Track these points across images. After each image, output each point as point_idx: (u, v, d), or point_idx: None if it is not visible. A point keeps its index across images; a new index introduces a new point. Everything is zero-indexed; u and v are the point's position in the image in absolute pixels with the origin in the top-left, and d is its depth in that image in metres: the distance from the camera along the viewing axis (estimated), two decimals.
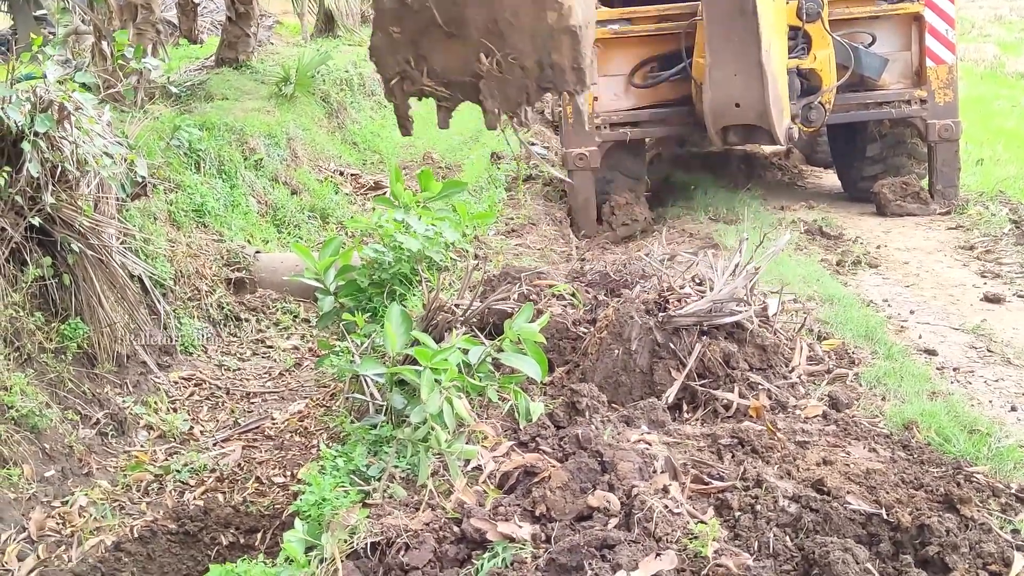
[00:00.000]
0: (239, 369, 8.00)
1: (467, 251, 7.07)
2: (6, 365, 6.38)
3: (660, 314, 4.67)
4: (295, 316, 8.88)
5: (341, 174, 14.02)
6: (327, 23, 21.31)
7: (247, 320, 8.65)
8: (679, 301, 4.81)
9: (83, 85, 7.94)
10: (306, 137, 14.06)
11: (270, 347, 8.39)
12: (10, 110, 6.31)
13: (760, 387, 4.61)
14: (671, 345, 4.65)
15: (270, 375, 7.87)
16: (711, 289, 4.92)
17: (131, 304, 7.35)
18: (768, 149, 11.98)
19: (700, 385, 4.61)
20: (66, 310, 6.91)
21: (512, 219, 9.48)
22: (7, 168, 6.45)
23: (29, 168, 6.38)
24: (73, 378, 6.72)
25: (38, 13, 29.56)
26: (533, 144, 12.94)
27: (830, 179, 11.68)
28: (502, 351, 4.57)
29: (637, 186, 10.31)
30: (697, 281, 5.15)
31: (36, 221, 6.57)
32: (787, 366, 4.91)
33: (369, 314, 6.30)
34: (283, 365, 8.05)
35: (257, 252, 9.14)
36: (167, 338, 7.72)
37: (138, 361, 7.42)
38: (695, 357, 4.59)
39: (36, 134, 6.44)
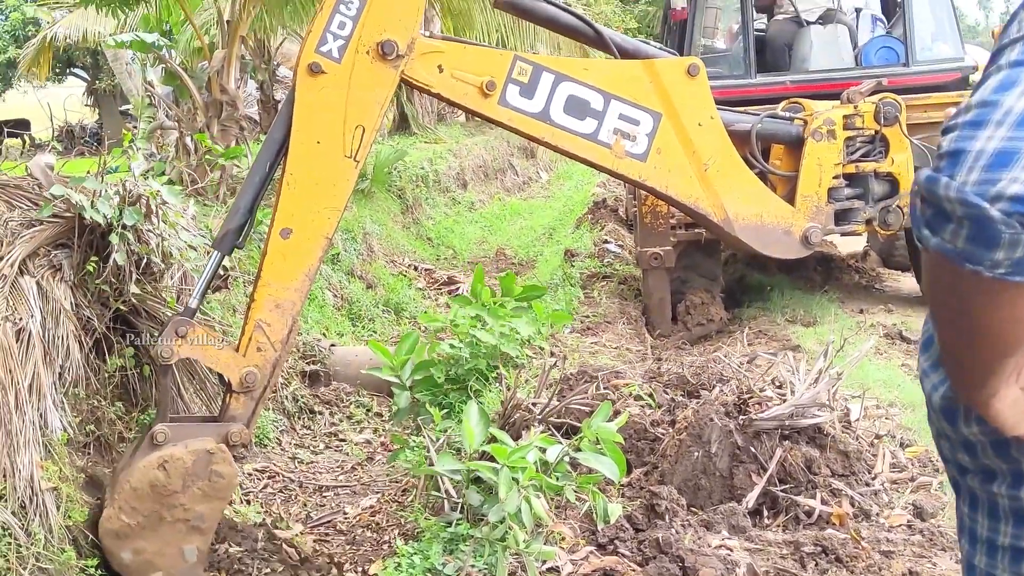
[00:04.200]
0: (312, 462, 8.01)
1: (543, 349, 7.07)
2: (86, 453, 6.46)
3: (741, 417, 4.63)
4: (368, 410, 8.90)
5: (415, 269, 14.15)
6: (402, 121, 21.72)
7: (321, 413, 8.69)
8: (760, 404, 4.76)
9: (170, 180, 8.15)
10: (382, 232, 14.24)
11: (343, 440, 8.41)
12: (100, 203, 6.47)
13: (843, 494, 4.53)
14: (752, 449, 4.59)
15: (342, 468, 7.87)
16: (792, 392, 4.86)
17: (209, 395, 7.41)
18: (843, 252, 11.91)
19: (781, 490, 4.54)
20: (146, 400, 6.97)
21: (587, 317, 9.49)
22: (95, 259, 6.59)
23: (116, 259, 6.51)
24: None
25: (123, 108, 30.54)
26: (607, 243, 13.00)
27: (908, 282, 11.54)
28: (580, 450, 4.54)
29: (712, 286, 10.28)
30: (777, 384, 5.10)
31: (121, 310, 6.68)
32: (870, 473, 4.82)
33: (445, 410, 6.30)
34: (355, 459, 8.05)
35: (332, 345, 9.21)
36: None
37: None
38: (776, 461, 4.53)
39: (124, 226, 6.58)
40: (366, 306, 11.28)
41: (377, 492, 7.24)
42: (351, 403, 8.91)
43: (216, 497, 5.17)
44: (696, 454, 4.61)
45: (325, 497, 7.38)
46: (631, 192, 12.81)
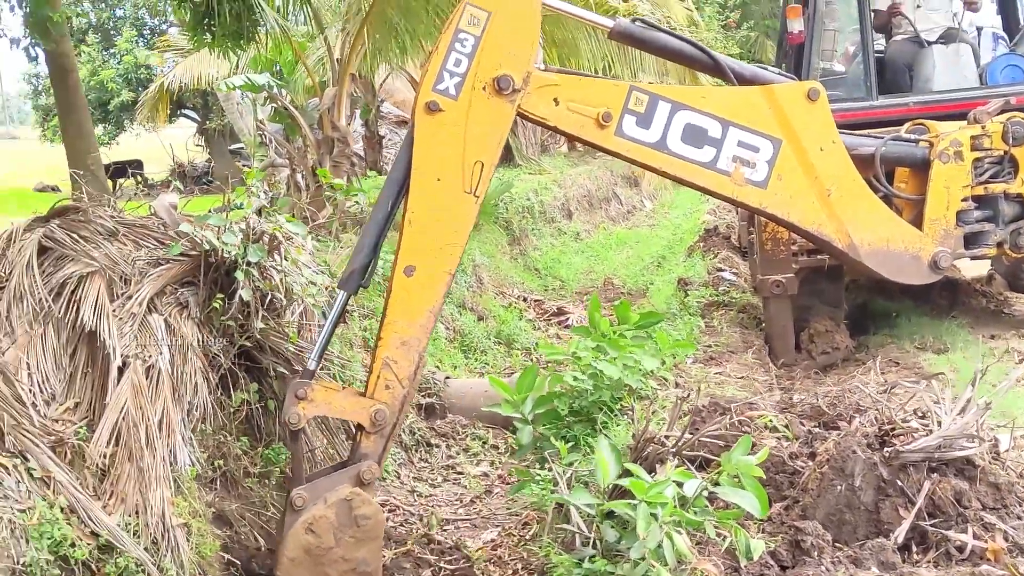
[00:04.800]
0: (431, 495, 7.98)
1: (667, 380, 6.96)
2: (213, 488, 6.51)
3: (886, 449, 4.47)
4: (484, 442, 8.87)
5: (524, 300, 14.12)
6: (506, 153, 21.79)
7: (438, 446, 8.68)
8: (905, 436, 4.59)
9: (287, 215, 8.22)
10: (491, 264, 14.25)
11: (460, 473, 8.38)
12: (226, 239, 6.54)
13: (996, 528, 4.33)
14: (898, 482, 4.43)
15: (461, 502, 7.83)
16: (936, 423, 4.68)
17: (330, 429, 7.44)
18: (968, 276, 11.55)
19: (931, 525, 4.36)
20: (270, 435, 7.02)
21: (709, 347, 9.34)
22: (220, 296, 6.67)
23: (242, 295, 6.57)
24: (276, 502, 6.79)
25: (233, 147, 31.20)
26: (722, 270, 12.82)
27: None
28: (719, 485, 4.43)
29: (836, 313, 10.02)
30: (920, 415, 4.91)
31: (246, 346, 6.74)
32: (1021, 506, 4.60)
33: (570, 443, 6.22)
34: (474, 492, 8.00)
35: (447, 378, 9.21)
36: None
37: None
38: (925, 495, 4.35)
39: (248, 263, 6.64)
40: (478, 338, 11.28)
41: (497, 526, 7.18)
42: (467, 435, 8.90)
43: (370, 539, 5.24)
44: (839, 488, 4.46)
45: (445, 531, 7.35)
46: (745, 219, 12.61)
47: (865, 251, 6.17)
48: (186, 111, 36.96)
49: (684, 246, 16.96)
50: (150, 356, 6.22)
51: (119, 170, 30.06)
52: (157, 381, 6.19)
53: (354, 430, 5.50)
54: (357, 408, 5.29)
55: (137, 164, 35.73)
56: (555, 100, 5.39)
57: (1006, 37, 10.83)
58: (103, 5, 37.89)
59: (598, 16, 6.07)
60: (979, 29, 10.75)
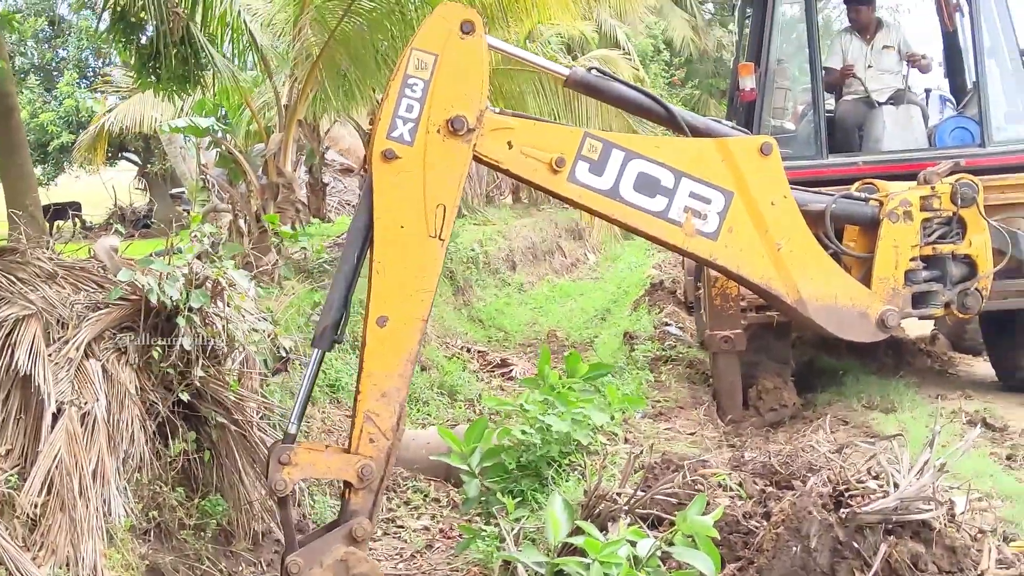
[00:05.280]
0: (371, 550, 7.74)
1: (616, 435, 6.87)
2: (147, 540, 6.31)
3: (844, 510, 4.40)
4: (425, 495, 8.71)
5: (468, 351, 14.02)
6: None
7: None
8: (860, 497, 4.53)
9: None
10: (435, 314, 14.13)
11: (400, 527, 8.20)
12: (167, 285, 6.39)
13: None
14: (854, 544, 4.35)
15: (401, 556, 7.65)
16: (891, 484, 4.62)
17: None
18: (914, 335, 11.64)
19: None
20: (207, 485, 6.85)
21: (658, 402, 9.27)
22: (160, 342, 6.50)
23: (183, 343, 6.42)
24: (211, 555, 6.61)
25: (174, 191, 30.93)
26: (668, 325, 12.81)
27: (981, 367, 11.23)
28: (672, 544, 4.33)
29: (783, 370, 10.00)
30: (874, 475, 4.86)
31: (185, 396, 6.57)
32: (975, 569, 4.55)
33: (517, 498, 6.10)
34: (414, 546, 7.83)
35: None
36: (300, 515, 7.59)
37: (273, 539, 7.28)
38: (881, 558, 4.28)
39: (191, 309, 6.49)
40: (421, 388, 11.13)
41: None
42: (408, 488, 8.74)
43: None
44: (794, 549, 4.38)
45: None
46: (692, 273, 12.63)
47: (813, 307, 6.14)
48: (127, 154, 36.60)
49: (629, 299, 16.98)
50: (86, 403, 6.06)
51: (59, 212, 29.55)
52: (92, 429, 6.02)
53: (342, 487, 5.36)
54: (343, 466, 5.16)
55: (76, 206, 35.25)
56: (508, 143, 5.36)
57: (953, 100, 10.99)
58: (46, 46, 37.54)
59: (553, 64, 6.05)
60: (927, 91, 10.90)
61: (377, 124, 5.24)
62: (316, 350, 5.39)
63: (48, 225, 25.00)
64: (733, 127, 6.44)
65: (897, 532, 4.45)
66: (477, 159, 5.36)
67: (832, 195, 6.83)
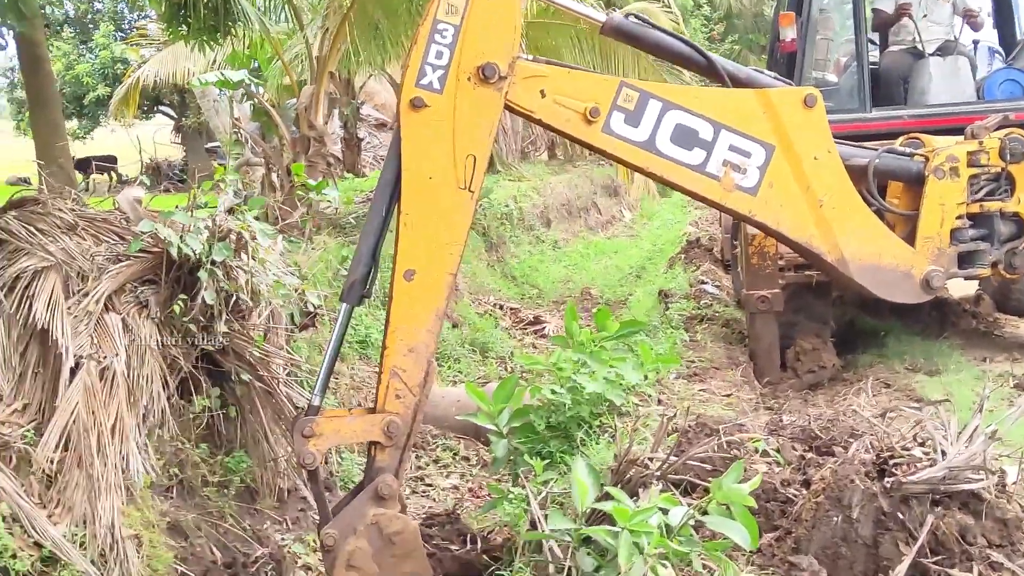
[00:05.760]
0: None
1: (650, 396, 6.67)
2: (168, 497, 6.22)
3: (888, 479, 4.18)
4: (455, 454, 8.61)
5: (500, 308, 13.89)
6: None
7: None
8: (907, 466, 4.31)
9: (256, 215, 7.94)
10: (467, 270, 14.02)
11: (429, 486, 8.10)
12: (189, 239, 6.24)
13: (1003, 567, 4.06)
14: (899, 515, 4.14)
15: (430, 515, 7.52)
16: (938, 452, 4.40)
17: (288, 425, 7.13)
18: (958, 295, 11.33)
19: (933, 562, 4.08)
20: (231, 442, 6.76)
21: (693, 362, 9.05)
22: (183, 296, 6.37)
23: (204, 296, 6.28)
24: (234, 513, 6.52)
25: (209, 145, 30.87)
26: (704, 283, 12.57)
27: None
28: (707, 513, 4.13)
29: (823, 331, 9.76)
30: (919, 441, 4.64)
31: (209, 349, 6.44)
32: None
33: (546, 460, 5.92)
34: (443, 505, 7.71)
35: None
36: (328, 472, 7.48)
37: (299, 496, 7.20)
38: (928, 530, 4.07)
39: (213, 263, 6.35)
40: (452, 345, 11.02)
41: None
42: (437, 446, 8.64)
43: (410, 551, 5.02)
44: (835, 520, 4.18)
45: None
46: (728, 231, 12.38)
47: (856, 266, 5.94)
48: (163, 108, 36.57)
49: (665, 257, 16.73)
50: (105, 357, 5.96)
51: (83, 164, 29.53)
52: (112, 384, 5.92)
53: (368, 447, 5.23)
54: (368, 426, 5.04)
55: (111, 160, 35.30)
56: (541, 92, 5.17)
57: (1002, 52, 10.64)
58: None
59: (589, 9, 5.82)
60: (975, 43, 10.56)
61: (405, 71, 5.06)
62: (344, 305, 5.26)
63: (80, 177, 25.04)
64: (776, 78, 6.22)
65: (945, 503, 4.24)
66: (509, 108, 5.18)
67: (876, 150, 6.60)
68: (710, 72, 5.85)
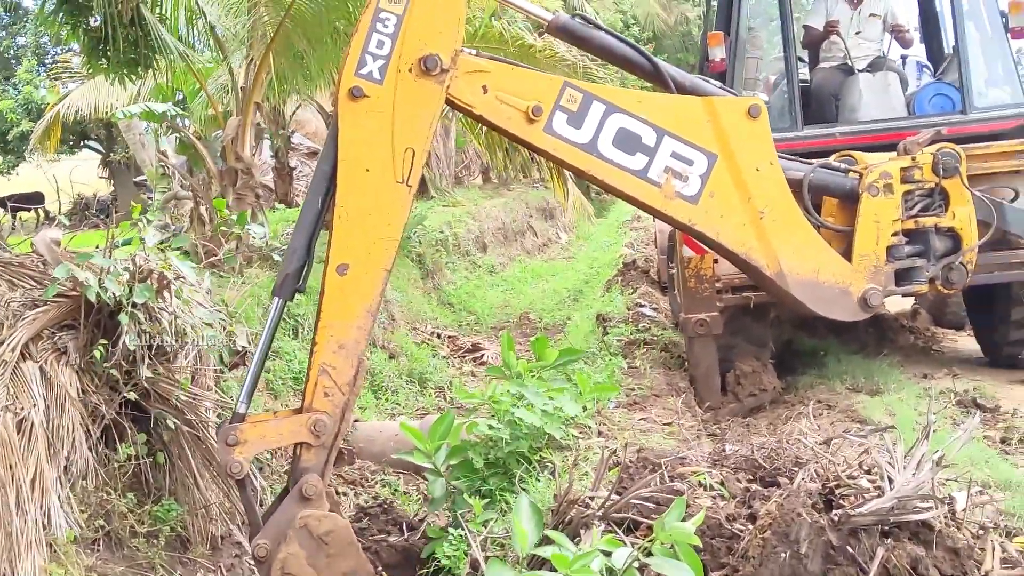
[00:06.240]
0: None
1: (590, 427, 6.53)
2: (95, 550, 5.98)
3: (836, 512, 4.07)
4: (394, 490, 8.39)
5: (438, 336, 13.75)
6: (420, 185, 21.37)
7: (345, 494, 8.17)
8: (855, 496, 4.20)
9: (184, 252, 7.71)
10: (403, 299, 13.87)
11: None
12: (108, 282, 6.01)
13: None
14: (848, 548, 4.03)
15: None
16: (885, 479, 4.30)
17: (226, 482, 6.91)
18: (895, 310, 11.34)
19: None
20: (160, 490, 6.53)
21: (633, 390, 8.92)
22: (103, 341, 6.14)
23: (126, 341, 6.05)
24: (165, 564, 6.29)
25: (138, 179, 30.40)
26: (641, 306, 12.49)
27: (964, 342, 10.98)
28: (651, 554, 3.99)
29: (762, 352, 9.68)
30: (866, 469, 4.53)
31: (132, 396, 6.21)
32: (978, 571, 4.24)
33: (486, 499, 5.75)
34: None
35: (356, 421, 8.71)
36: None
37: (232, 542, 6.97)
38: (878, 563, 3.96)
39: (134, 304, 6.13)
40: (389, 377, 10.86)
41: None
42: (376, 482, 8.43)
43: (344, 549, 4.94)
44: (783, 555, 4.05)
45: None
46: (665, 252, 12.33)
47: (794, 280, 5.92)
48: (90, 142, 35.99)
49: (602, 280, 16.67)
50: (22, 408, 5.74)
51: (4, 203, 28.98)
52: (30, 436, 5.71)
53: (293, 449, 5.12)
54: (295, 427, 4.97)
55: (37, 197, 34.63)
56: (484, 87, 5.13)
57: (930, 66, 10.69)
58: (2, 34, 36.88)
59: (536, 8, 5.77)
60: (903, 58, 10.60)
61: (345, 60, 5.00)
62: (276, 300, 5.16)
63: (8, 217, 24.54)
64: (721, 87, 6.20)
65: (895, 534, 4.13)
66: (450, 103, 5.15)
67: (811, 164, 6.57)
68: (655, 77, 5.81)
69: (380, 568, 5.35)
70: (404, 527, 5.80)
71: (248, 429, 4.93)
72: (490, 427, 6.18)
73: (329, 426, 4.92)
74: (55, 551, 5.58)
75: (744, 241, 5.68)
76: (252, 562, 5.49)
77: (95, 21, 10.33)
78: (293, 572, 4.84)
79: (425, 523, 5.88)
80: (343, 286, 4.95)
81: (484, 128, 16.57)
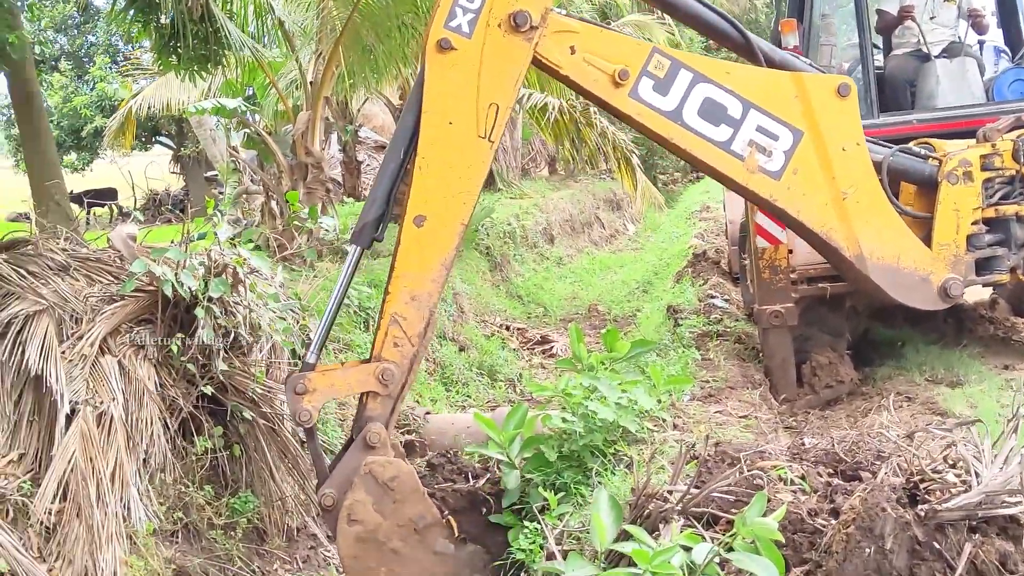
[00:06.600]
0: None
1: (664, 420, 6.47)
2: (173, 542, 6.06)
3: (922, 507, 3.98)
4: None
5: (507, 328, 13.72)
6: (487, 178, 21.37)
7: None
8: (940, 491, 4.11)
9: (255, 246, 7.77)
10: (471, 292, 13.87)
11: None
12: (184, 276, 6.09)
13: None
14: (935, 544, 3.94)
15: None
16: (971, 473, 4.20)
17: (302, 473, 6.98)
18: (973, 300, 11.08)
19: None
20: (236, 482, 6.63)
21: (707, 382, 8.82)
22: (180, 335, 6.21)
23: (202, 335, 6.13)
24: (243, 555, 6.37)
25: (208, 174, 30.73)
26: (713, 297, 12.36)
27: None
28: (731, 550, 3.93)
29: (838, 344, 9.49)
30: (950, 463, 4.43)
31: (208, 390, 6.28)
32: None
33: (560, 492, 5.71)
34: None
35: (427, 413, 8.74)
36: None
37: (308, 534, 7.06)
38: (966, 559, 3.86)
39: (210, 299, 6.20)
40: (459, 369, 10.86)
41: None
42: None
43: (411, 496, 5.01)
44: (868, 551, 3.96)
45: None
46: (736, 243, 12.18)
47: (874, 264, 5.87)
48: (161, 138, 36.45)
49: (671, 271, 16.52)
50: (102, 402, 5.85)
51: (81, 198, 29.42)
52: (109, 429, 5.81)
53: (359, 399, 5.17)
54: (363, 377, 5.02)
55: (111, 193, 35.13)
56: (572, 48, 5.17)
57: (1008, 51, 10.43)
58: (75, 33, 37.46)
59: None
60: (980, 43, 10.34)
61: (435, 12, 5.04)
62: (354, 247, 5.22)
63: (82, 212, 24.93)
64: (811, 65, 6.16)
65: (982, 529, 4.03)
66: (536, 62, 5.17)
67: (891, 147, 6.47)
68: (745, 49, 5.80)
69: (447, 513, 5.33)
70: (469, 475, 5.79)
71: (316, 378, 4.96)
72: (564, 420, 6.15)
73: (397, 376, 4.96)
74: (135, 543, 5.68)
75: (825, 221, 5.64)
76: (319, 513, 5.52)
77: (165, 18, 10.43)
78: (360, 519, 4.88)
79: (491, 470, 5.86)
80: (419, 238, 4.97)
81: (551, 118, 16.58)
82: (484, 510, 5.51)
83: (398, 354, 4.98)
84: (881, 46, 10.37)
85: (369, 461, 4.89)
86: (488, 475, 5.77)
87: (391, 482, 4.91)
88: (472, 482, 5.71)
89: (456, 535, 5.30)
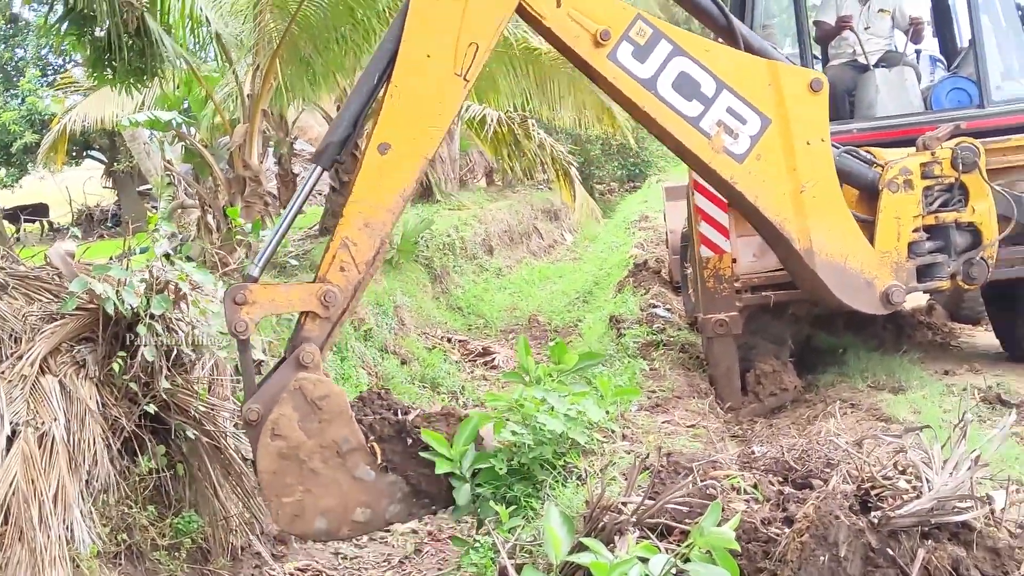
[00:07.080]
0: (356, 557, 7.48)
1: (613, 432, 6.48)
2: (117, 564, 5.95)
3: (875, 514, 4.01)
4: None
5: (448, 341, 13.74)
6: (425, 189, 21.33)
7: None
8: (892, 498, 4.14)
9: (193, 261, 7.66)
10: (412, 304, 13.86)
11: (388, 531, 7.81)
12: (125, 293, 5.98)
13: None
14: (888, 551, 3.97)
15: (389, 563, 7.35)
16: (922, 480, 4.24)
17: (246, 492, 6.89)
18: (910, 306, 11.24)
19: None
20: (180, 502, 6.54)
21: (654, 392, 8.85)
22: (121, 354, 6.10)
23: (144, 353, 6.02)
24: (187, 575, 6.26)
25: (142, 188, 30.33)
26: (655, 306, 12.43)
27: (982, 337, 10.87)
28: (688, 560, 3.93)
29: (781, 351, 9.55)
30: (900, 469, 4.47)
31: (151, 409, 6.17)
32: (1018, 570, 4.18)
33: (511, 505, 5.69)
34: (403, 551, 7.48)
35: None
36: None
37: (252, 553, 6.98)
38: (919, 565, 3.90)
39: (152, 316, 6.09)
40: (402, 382, 10.85)
41: None
42: None
43: (337, 416, 4.98)
44: (822, 559, 3.98)
45: None
46: (677, 252, 12.27)
47: (822, 261, 6.00)
48: (93, 152, 35.92)
49: (611, 281, 16.60)
50: (43, 423, 5.73)
51: (13, 214, 28.91)
52: (51, 450, 5.69)
53: (297, 319, 5.15)
54: (305, 296, 5.01)
55: (42, 208, 34.58)
56: (558, 1, 5.23)
57: (943, 60, 10.61)
58: (3, 46, 36.82)
59: None
60: (917, 52, 10.50)
61: None
62: (314, 166, 5.20)
63: (14, 229, 24.53)
64: (788, 58, 6.28)
65: (934, 535, 4.07)
66: (521, 11, 5.22)
67: (838, 148, 6.58)
68: (727, 32, 5.92)
69: (372, 439, 5.29)
70: (398, 411, 5.70)
71: (258, 291, 4.96)
72: (514, 432, 6.13)
73: (339, 300, 4.95)
74: (78, 566, 5.57)
75: (781, 211, 5.76)
76: (243, 428, 5.43)
77: (100, 31, 10.28)
78: (283, 434, 4.85)
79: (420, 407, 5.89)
80: (381, 166, 4.97)
81: (490, 130, 16.61)
82: (410, 441, 5.48)
83: (343, 279, 4.99)
84: (820, 56, 10.50)
85: (300, 377, 4.88)
86: (418, 410, 5.77)
87: (320, 400, 4.89)
88: (400, 417, 5.66)
89: (379, 462, 5.27)
